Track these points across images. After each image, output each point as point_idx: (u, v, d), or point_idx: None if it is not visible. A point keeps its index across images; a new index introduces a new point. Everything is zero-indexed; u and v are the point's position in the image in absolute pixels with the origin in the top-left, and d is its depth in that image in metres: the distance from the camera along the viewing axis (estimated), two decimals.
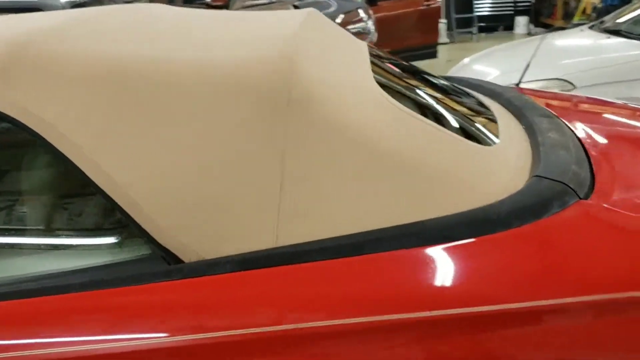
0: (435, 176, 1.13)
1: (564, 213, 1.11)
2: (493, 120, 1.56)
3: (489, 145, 1.34)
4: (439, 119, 1.41)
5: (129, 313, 1.03)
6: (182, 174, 1.09)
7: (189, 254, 1.08)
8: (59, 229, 1.36)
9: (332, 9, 5.66)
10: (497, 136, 1.40)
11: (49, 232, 1.35)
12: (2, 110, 1.12)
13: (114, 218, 1.25)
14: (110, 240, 1.27)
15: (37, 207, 1.45)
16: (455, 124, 1.43)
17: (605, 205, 1.16)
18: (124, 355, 0.98)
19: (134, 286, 1.05)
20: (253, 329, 0.98)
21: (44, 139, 1.10)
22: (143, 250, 1.13)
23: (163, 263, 1.09)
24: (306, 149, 1.09)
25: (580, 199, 1.15)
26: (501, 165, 1.26)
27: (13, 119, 1.12)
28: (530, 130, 1.48)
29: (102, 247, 1.29)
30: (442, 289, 1.01)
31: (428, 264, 1.04)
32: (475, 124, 1.53)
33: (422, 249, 1.05)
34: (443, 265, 1.04)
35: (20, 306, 1.05)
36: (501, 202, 1.12)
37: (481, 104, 1.72)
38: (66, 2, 4.60)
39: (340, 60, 1.38)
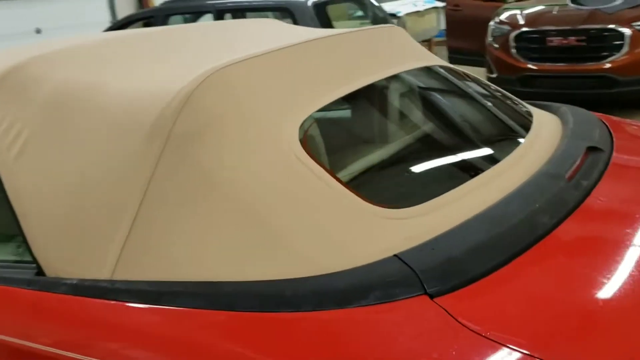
0: (282, 241, 1.03)
1: (383, 307, 0.92)
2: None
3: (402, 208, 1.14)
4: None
5: None
6: (64, 192, 1.20)
7: (51, 269, 1.19)
8: None
9: (617, 2, 5.37)
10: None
11: None
12: None
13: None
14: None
15: None
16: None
17: (448, 310, 0.91)
18: None
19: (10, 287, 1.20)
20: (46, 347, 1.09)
21: None
22: (27, 257, 1.24)
23: (33, 272, 1.21)
24: (170, 184, 1.11)
25: (427, 294, 0.93)
26: (389, 234, 1.07)
27: None
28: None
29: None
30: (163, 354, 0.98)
31: (205, 330, 0.97)
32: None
33: (200, 310, 0.99)
34: (187, 335, 0.97)
35: None
36: (316, 279, 0.97)
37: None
38: (312, 3, 4.76)
39: (286, 93, 1.30)
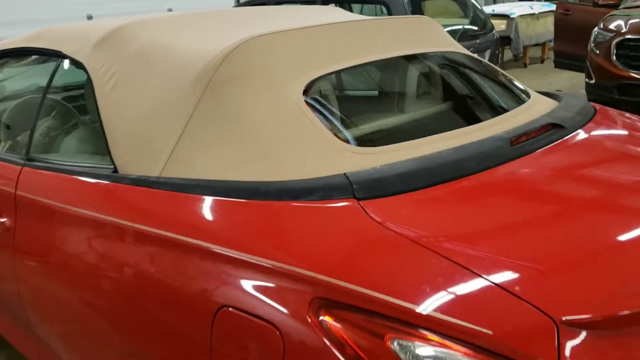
0: (272, 157, 1.45)
1: (319, 203, 1.31)
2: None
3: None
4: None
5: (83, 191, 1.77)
6: (136, 117, 1.69)
7: (122, 169, 1.68)
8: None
9: None
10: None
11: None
12: (76, 58, 1.92)
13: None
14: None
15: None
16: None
17: (365, 208, 1.28)
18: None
19: (95, 180, 1.73)
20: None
21: (92, 86, 1.81)
22: (108, 161, 1.75)
23: (111, 170, 1.72)
24: (206, 116, 1.56)
25: (356, 198, 1.31)
26: (346, 161, 1.45)
27: (81, 64, 1.88)
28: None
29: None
30: (205, 223, 1.41)
31: (207, 209, 1.42)
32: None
33: (214, 198, 1.41)
34: (214, 212, 1.41)
35: None
36: (290, 182, 1.37)
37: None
38: None
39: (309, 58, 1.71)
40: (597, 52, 5.97)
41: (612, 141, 1.85)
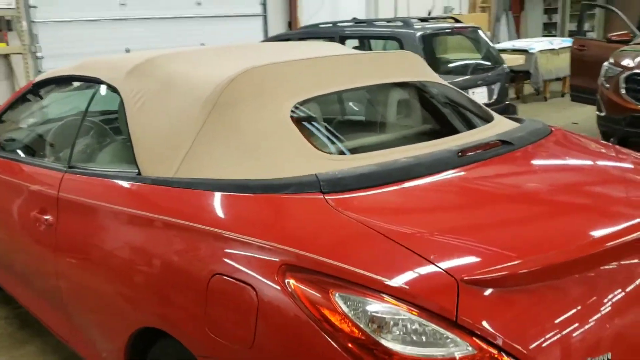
0: (261, 162, 1.81)
1: (293, 196, 1.66)
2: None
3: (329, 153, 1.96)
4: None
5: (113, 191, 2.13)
6: (157, 131, 2.07)
7: (145, 172, 2.05)
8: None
9: None
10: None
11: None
12: (112, 84, 2.30)
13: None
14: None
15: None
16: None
17: (328, 201, 1.61)
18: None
19: (122, 182, 2.09)
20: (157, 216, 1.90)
21: (123, 106, 2.20)
22: (134, 166, 2.11)
23: (135, 174, 2.08)
24: (212, 129, 1.93)
25: (322, 192, 1.65)
26: (320, 164, 1.80)
27: (115, 89, 2.27)
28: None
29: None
30: (206, 211, 1.76)
31: (208, 201, 1.77)
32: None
33: (213, 192, 1.77)
34: (212, 203, 1.76)
35: None
36: (270, 180, 1.72)
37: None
38: (420, 35, 5.48)
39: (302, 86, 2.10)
40: (607, 85, 6.19)
41: (550, 156, 2.18)
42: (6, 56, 6.94)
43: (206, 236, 1.68)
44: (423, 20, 6.34)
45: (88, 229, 2.15)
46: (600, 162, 2.21)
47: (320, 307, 1.38)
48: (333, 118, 2.17)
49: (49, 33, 7.34)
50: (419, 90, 2.57)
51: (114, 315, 2.03)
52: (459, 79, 5.52)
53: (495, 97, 5.87)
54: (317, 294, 1.40)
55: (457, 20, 6.32)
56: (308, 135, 1.99)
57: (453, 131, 2.24)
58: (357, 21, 6.62)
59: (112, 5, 7.87)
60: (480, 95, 5.74)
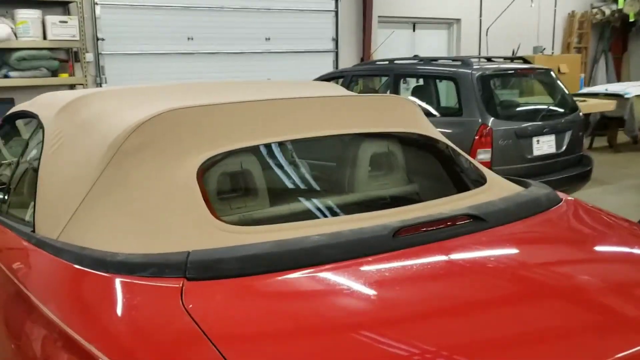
0: (158, 235, 1.44)
1: (146, 281, 1.31)
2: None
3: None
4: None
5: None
6: (59, 181, 1.76)
7: (38, 229, 1.75)
8: None
9: None
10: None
11: None
12: (42, 122, 2.04)
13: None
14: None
15: None
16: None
17: (189, 293, 1.24)
18: None
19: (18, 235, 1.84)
20: None
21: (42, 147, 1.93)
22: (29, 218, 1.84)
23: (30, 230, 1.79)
24: (105, 183, 1.57)
25: (186, 277, 1.29)
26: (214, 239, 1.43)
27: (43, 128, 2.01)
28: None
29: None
30: (48, 285, 1.51)
31: (59, 273, 1.50)
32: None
33: (68, 263, 1.46)
34: (61, 277, 1.49)
35: None
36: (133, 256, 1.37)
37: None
38: (478, 76, 4.91)
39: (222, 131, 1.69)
40: None
41: (535, 241, 1.63)
42: (72, 87, 7.07)
43: (41, 317, 1.40)
44: (489, 60, 5.77)
45: None
46: (611, 260, 1.60)
47: None
48: (258, 177, 1.73)
49: (116, 65, 7.45)
50: (391, 144, 2.05)
51: None
52: (519, 125, 4.90)
53: (564, 147, 5.17)
54: None
55: (526, 61, 5.69)
56: (214, 198, 1.59)
57: (413, 199, 1.75)
58: (418, 59, 6.17)
59: (179, 40, 7.90)
60: (546, 145, 5.07)
